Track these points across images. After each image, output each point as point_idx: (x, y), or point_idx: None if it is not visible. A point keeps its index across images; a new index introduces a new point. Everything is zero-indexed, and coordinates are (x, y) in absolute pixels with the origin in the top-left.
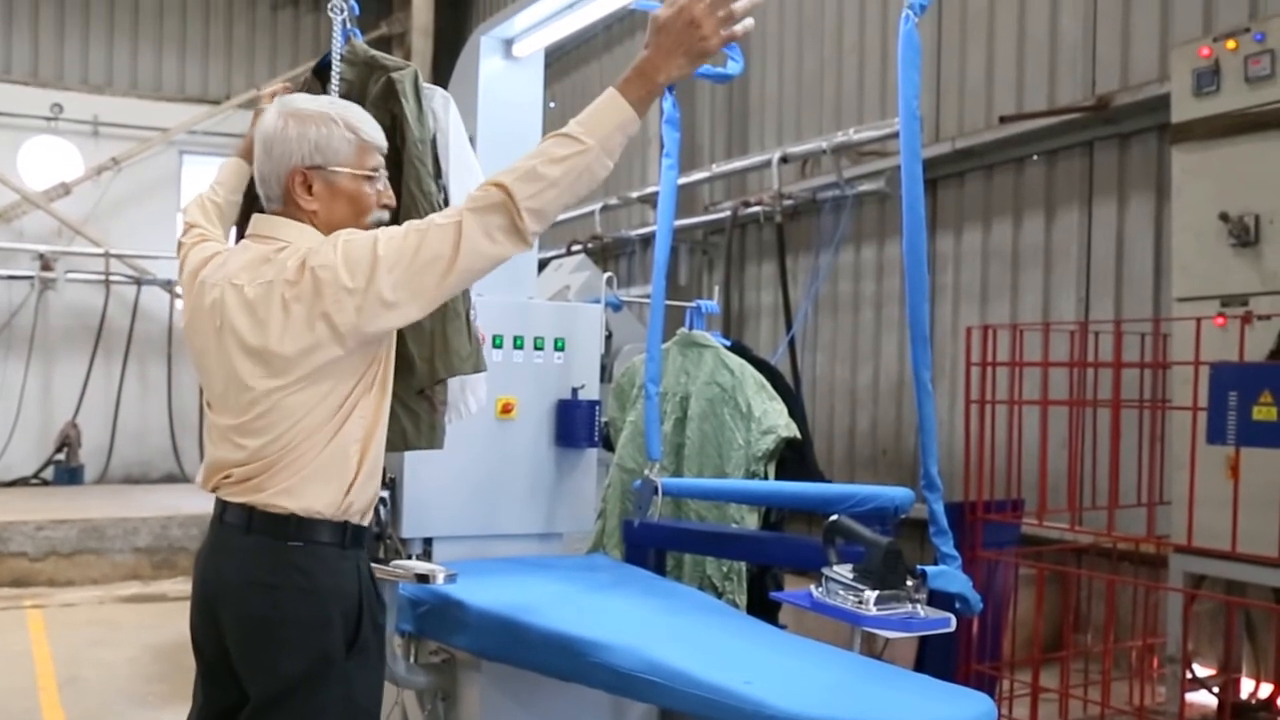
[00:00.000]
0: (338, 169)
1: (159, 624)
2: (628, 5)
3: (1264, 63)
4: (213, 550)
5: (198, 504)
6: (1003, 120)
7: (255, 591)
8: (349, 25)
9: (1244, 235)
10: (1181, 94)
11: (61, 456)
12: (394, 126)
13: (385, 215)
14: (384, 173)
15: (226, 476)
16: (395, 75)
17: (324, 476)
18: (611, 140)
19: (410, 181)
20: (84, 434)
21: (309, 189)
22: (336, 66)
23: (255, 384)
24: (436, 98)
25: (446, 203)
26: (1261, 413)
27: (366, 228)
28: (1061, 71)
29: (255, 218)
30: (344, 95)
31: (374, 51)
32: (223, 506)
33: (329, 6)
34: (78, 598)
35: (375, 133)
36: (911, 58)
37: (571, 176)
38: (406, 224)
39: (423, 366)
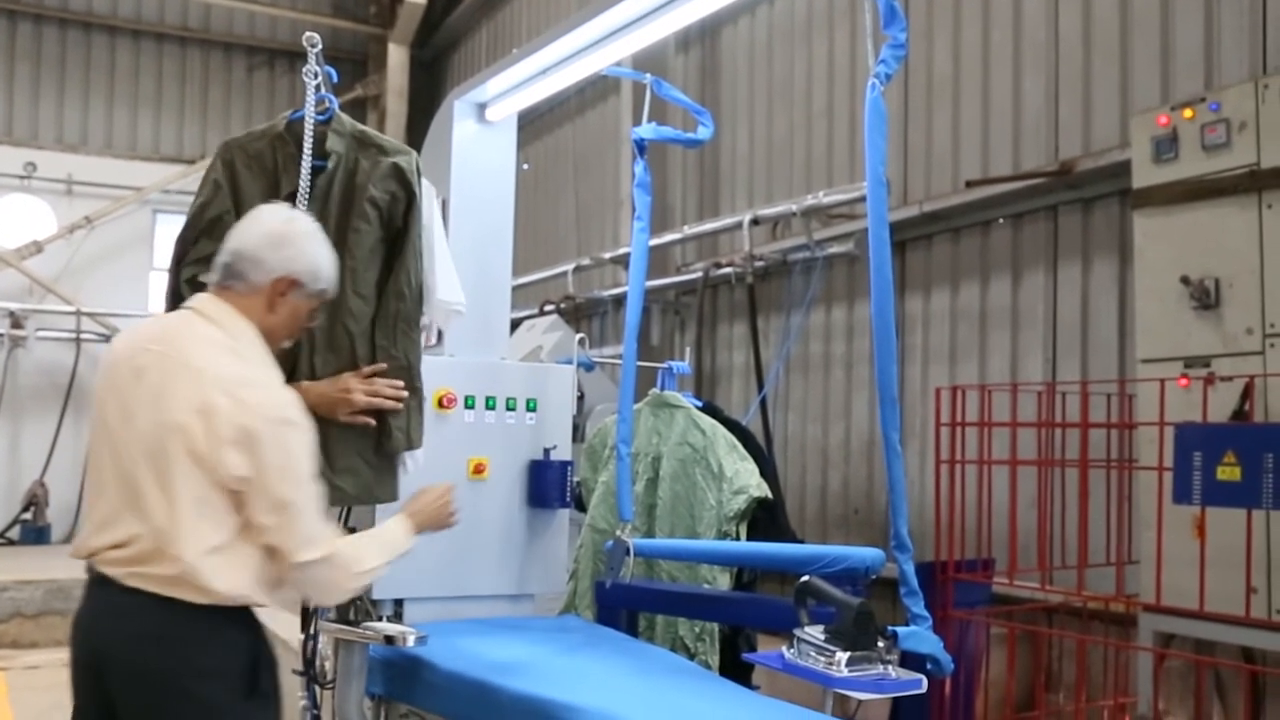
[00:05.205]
0: (308, 296)
1: None
2: (600, 71)
3: (1219, 131)
4: (94, 610)
5: None
6: (969, 184)
7: (147, 645)
8: (324, 90)
9: (1205, 298)
10: (1141, 161)
11: (28, 516)
12: (392, 205)
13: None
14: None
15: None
16: (401, 161)
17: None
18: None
19: (408, 267)
20: (51, 493)
21: (282, 297)
22: (309, 131)
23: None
24: (425, 191)
25: (422, 295)
26: (1225, 473)
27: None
28: (1025, 137)
29: (206, 299)
30: (334, 167)
31: (362, 126)
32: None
33: (303, 71)
34: (42, 660)
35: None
36: (878, 125)
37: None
38: (307, 499)
39: (399, 436)
